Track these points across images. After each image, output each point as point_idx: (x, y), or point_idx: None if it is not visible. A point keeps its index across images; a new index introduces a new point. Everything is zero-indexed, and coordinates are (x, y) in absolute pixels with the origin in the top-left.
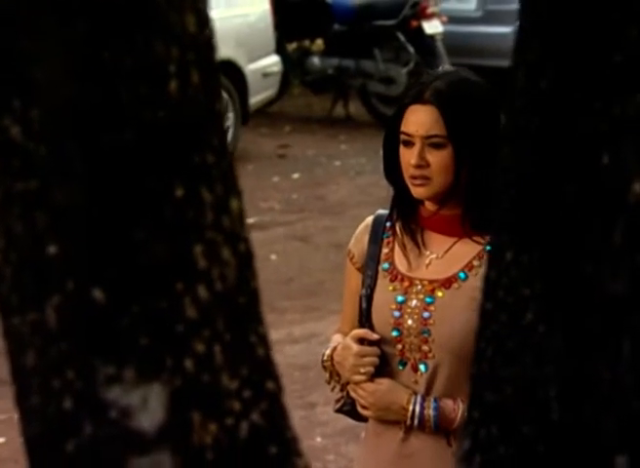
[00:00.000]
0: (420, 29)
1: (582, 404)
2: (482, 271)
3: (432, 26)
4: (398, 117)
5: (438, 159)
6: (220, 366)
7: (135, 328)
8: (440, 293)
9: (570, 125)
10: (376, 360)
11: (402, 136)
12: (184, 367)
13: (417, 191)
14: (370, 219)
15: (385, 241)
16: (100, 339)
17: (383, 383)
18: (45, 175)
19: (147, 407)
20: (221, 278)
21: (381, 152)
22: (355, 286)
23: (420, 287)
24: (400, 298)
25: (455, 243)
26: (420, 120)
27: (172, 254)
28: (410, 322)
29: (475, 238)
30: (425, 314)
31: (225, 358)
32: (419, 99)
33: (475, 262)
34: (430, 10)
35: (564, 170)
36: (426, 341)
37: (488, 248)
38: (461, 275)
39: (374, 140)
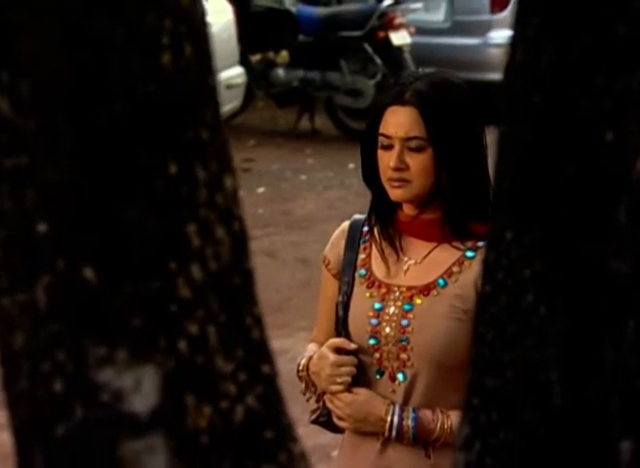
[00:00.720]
0: (388, 40)
1: (585, 387)
2: (462, 278)
3: (400, 37)
4: (377, 118)
5: (418, 162)
6: (215, 347)
7: (127, 308)
8: (419, 301)
9: (571, 102)
10: (353, 369)
11: (381, 139)
12: (178, 348)
13: (395, 193)
14: (346, 224)
15: (362, 246)
16: (92, 320)
17: (361, 393)
18: (34, 151)
19: (140, 389)
20: (216, 257)
21: (349, 165)
22: (331, 293)
23: (397, 293)
24: (377, 306)
25: (434, 248)
26: (399, 121)
27: (165, 233)
28: (388, 330)
29: (455, 243)
30: (404, 322)
31: (220, 340)
32: (398, 100)
33: (455, 268)
34: (398, 21)
35: (566, 148)
36: (405, 350)
37: (468, 253)
38: (441, 282)
39: (340, 154)
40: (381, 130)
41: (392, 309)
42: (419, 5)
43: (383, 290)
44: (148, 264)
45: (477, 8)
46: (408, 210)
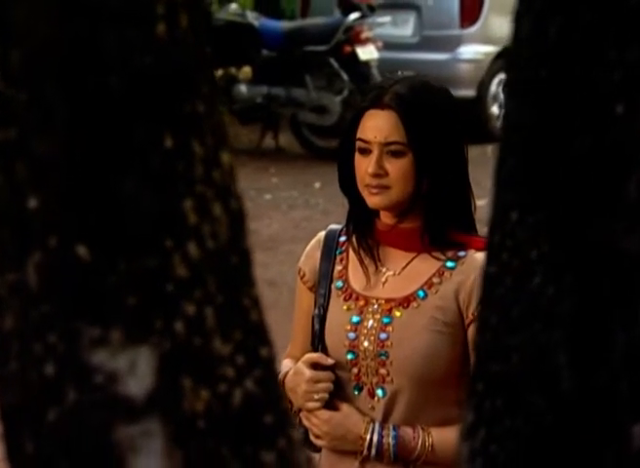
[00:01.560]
0: (355, 55)
1: (595, 370)
2: (442, 289)
3: (367, 52)
4: (354, 123)
5: (397, 168)
6: (212, 329)
7: (122, 287)
8: (398, 313)
9: (581, 74)
10: (330, 386)
11: (358, 143)
12: (175, 329)
13: (373, 201)
14: (322, 234)
15: (339, 257)
16: (85, 300)
17: (340, 409)
18: (25, 124)
19: (135, 371)
20: (213, 235)
21: (315, 184)
22: (307, 306)
23: (376, 306)
24: (355, 319)
25: (413, 258)
26: (378, 126)
27: (160, 209)
28: (366, 344)
29: (435, 253)
30: (382, 335)
31: (218, 321)
32: (377, 104)
33: (435, 280)
34: (364, 35)
35: (574, 123)
36: (384, 364)
37: (448, 264)
38: (421, 293)
39: (306, 173)
40: (359, 134)
41: (370, 322)
42: (386, 19)
43: (361, 302)
44: (144, 242)
45: (446, 22)
46: (386, 218)
